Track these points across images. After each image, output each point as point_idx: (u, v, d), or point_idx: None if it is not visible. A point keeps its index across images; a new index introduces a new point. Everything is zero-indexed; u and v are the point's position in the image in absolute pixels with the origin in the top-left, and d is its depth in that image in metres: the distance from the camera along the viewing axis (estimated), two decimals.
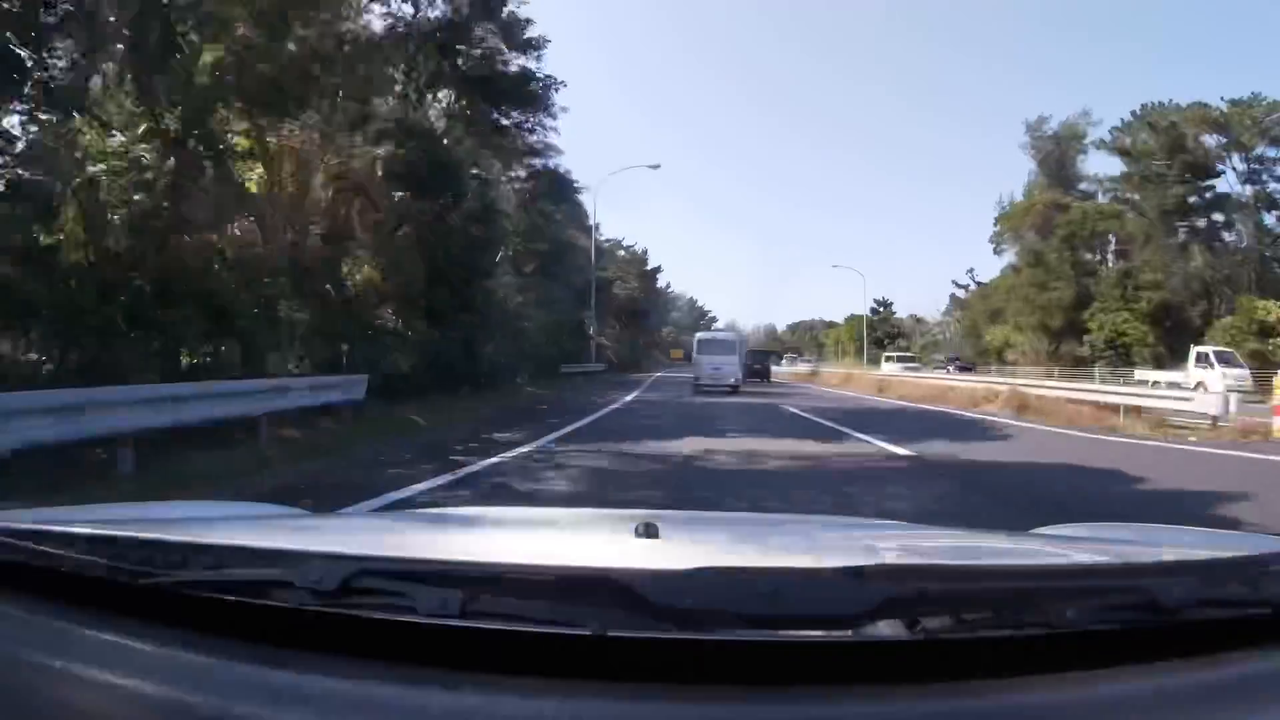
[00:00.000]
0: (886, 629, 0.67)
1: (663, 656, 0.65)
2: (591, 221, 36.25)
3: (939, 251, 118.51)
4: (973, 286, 55.61)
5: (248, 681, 0.67)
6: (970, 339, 45.88)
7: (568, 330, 32.23)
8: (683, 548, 1.07)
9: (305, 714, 0.64)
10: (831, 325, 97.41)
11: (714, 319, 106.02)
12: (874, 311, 66.48)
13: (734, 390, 20.23)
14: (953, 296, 59.36)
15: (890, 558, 1.03)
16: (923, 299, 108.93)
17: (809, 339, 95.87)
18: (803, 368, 51.23)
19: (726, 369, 21.34)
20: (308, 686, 0.66)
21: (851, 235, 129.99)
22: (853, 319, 70.82)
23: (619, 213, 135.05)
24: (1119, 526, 1.45)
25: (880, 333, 66.62)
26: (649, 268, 70.16)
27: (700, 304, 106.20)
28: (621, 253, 63.72)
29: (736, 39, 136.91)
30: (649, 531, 0.98)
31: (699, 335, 24.52)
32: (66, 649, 0.72)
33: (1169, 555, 1.00)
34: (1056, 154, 46.01)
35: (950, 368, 38.23)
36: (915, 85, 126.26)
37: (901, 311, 69.39)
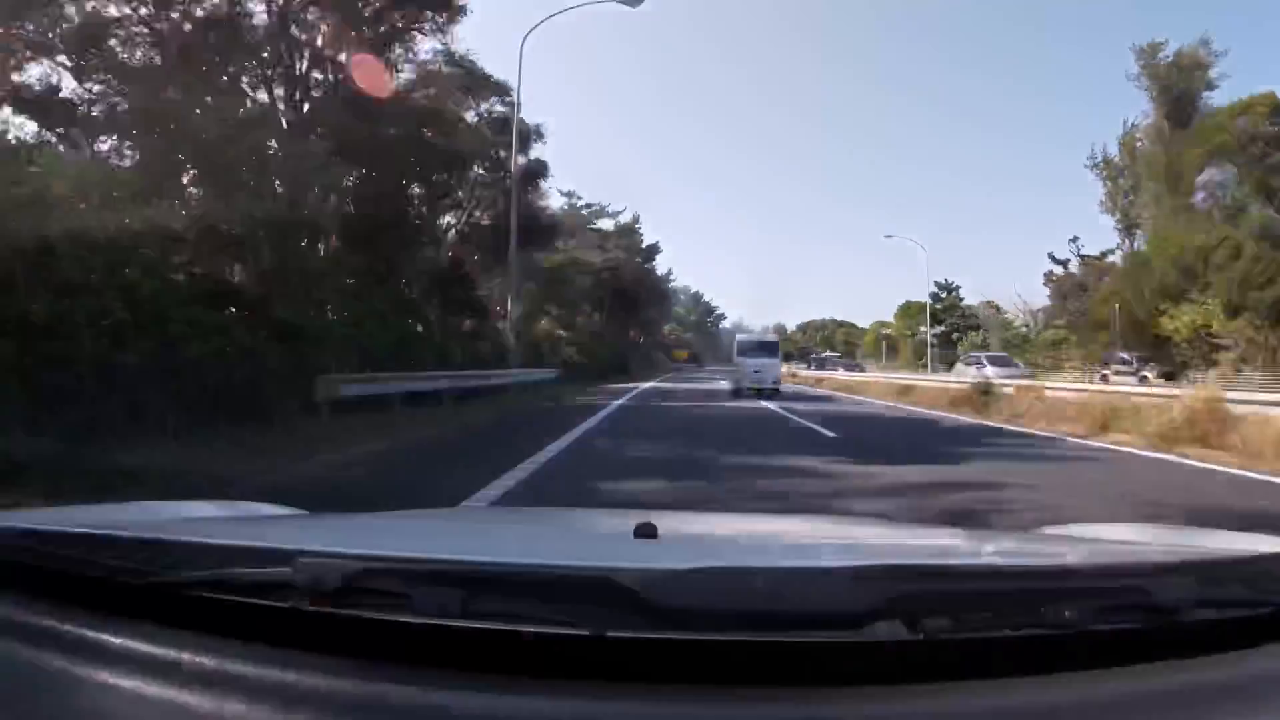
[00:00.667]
0: (886, 629, 0.66)
1: (661, 657, 0.65)
2: (515, 98, 19.33)
3: (996, 228, 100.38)
4: (1074, 261, 40.60)
5: (247, 682, 0.66)
6: (1131, 327, 29.34)
7: (440, 301, 16.15)
8: (681, 547, 1.08)
9: (304, 714, 0.63)
10: (843, 324, 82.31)
11: (721, 315, 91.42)
12: (934, 297, 49.50)
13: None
14: (1050, 276, 43.66)
15: (890, 558, 0.99)
16: (986, 284, 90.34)
17: (820, 339, 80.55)
18: (985, 371, 19.14)
19: (769, 371, 20.20)
20: (307, 687, 0.65)
21: (876, 222, 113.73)
22: (909, 306, 54.23)
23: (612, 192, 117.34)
24: (1119, 526, 1.43)
25: (947, 325, 49.98)
26: (645, 245, 50.68)
27: (706, 298, 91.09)
28: (606, 223, 46.54)
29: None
30: (647, 531, 0.99)
31: (739, 337, 23.68)
32: (67, 649, 0.73)
33: (1169, 555, 0.98)
34: (1180, 85, 32.89)
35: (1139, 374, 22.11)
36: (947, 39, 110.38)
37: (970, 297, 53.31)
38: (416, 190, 17.05)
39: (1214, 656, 0.71)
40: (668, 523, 1.08)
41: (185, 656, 0.69)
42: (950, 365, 29.21)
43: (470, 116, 19.35)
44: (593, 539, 1.24)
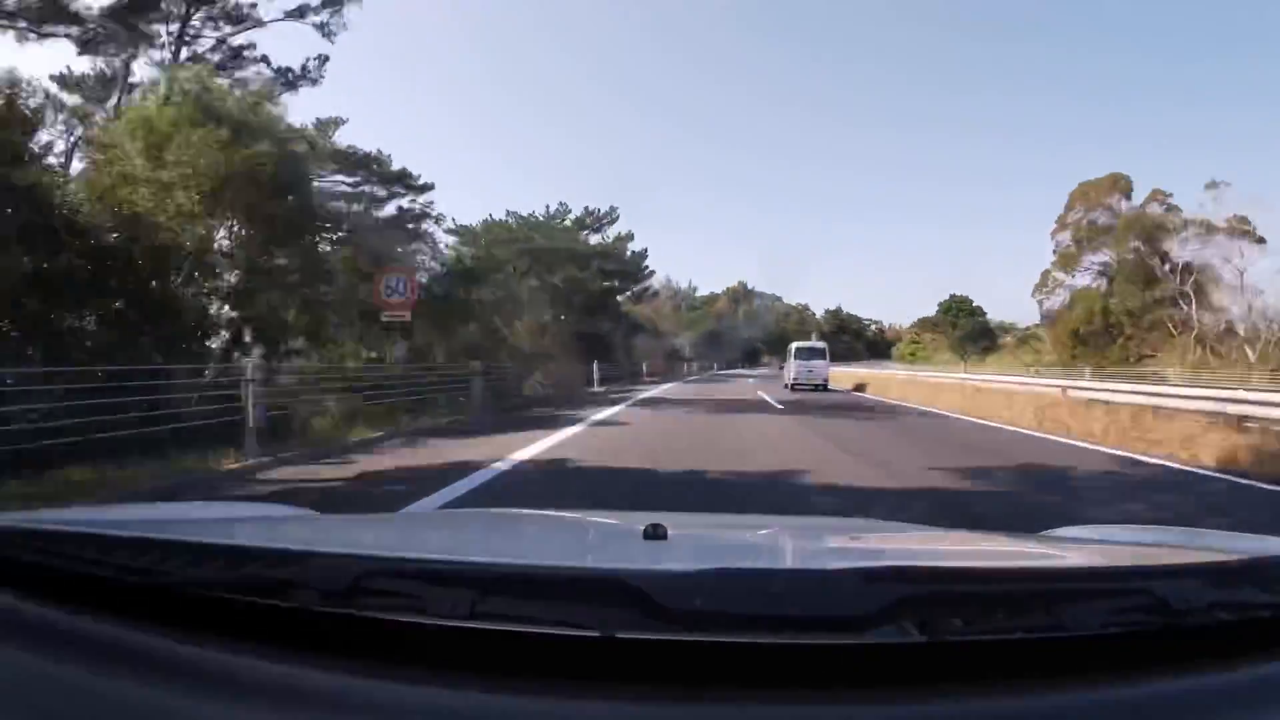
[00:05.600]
0: (896, 632, 0.66)
1: (670, 659, 0.65)
2: None
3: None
4: None
5: (255, 682, 0.66)
6: None
7: None
8: (691, 549, 1.06)
9: (312, 715, 0.63)
10: (799, 310, 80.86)
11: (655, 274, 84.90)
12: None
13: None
14: None
15: (900, 560, 0.97)
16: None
17: (816, 332, 78.54)
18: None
19: (819, 371, 24.83)
20: (315, 687, 0.65)
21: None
22: None
23: None
24: (1129, 528, 1.44)
25: None
26: None
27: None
28: None
29: None
30: (657, 533, 0.95)
31: (795, 344, 27.33)
32: (73, 650, 0.72)
33: (1180, 557, 0.98)
34: None
35: None
36: None
37: None
38: None
39: (1227, 660, 0.70)
40: (677, 524, 1.07)
41: (194, 657, 0.69)
42: None
43: None
44: (602, 540, 1.25)
